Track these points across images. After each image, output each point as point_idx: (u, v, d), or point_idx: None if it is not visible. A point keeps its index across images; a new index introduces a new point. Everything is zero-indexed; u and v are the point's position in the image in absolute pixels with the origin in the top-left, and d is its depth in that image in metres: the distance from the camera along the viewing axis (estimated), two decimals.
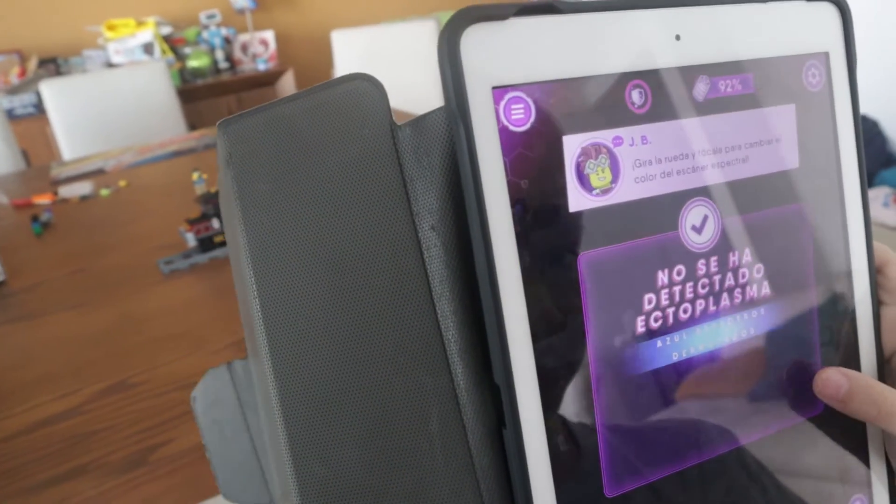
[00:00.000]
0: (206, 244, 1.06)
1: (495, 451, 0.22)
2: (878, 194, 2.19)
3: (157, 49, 2.96)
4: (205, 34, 3.13)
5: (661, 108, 0.23)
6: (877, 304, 0.27)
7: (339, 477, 0.22)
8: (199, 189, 1.06)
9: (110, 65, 2.93)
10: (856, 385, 0.24)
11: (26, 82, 2.74)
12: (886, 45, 2.26)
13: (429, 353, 0.22)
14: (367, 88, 0.22)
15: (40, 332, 0.91)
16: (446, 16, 3.49)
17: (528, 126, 0.21)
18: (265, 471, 0.28)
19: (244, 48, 3.22)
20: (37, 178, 1.70)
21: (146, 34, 2.94)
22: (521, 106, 0.21)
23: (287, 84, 3.23)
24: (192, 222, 1.05)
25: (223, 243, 1.07)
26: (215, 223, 1.06)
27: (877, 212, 2.16)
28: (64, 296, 1.00)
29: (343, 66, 2.57)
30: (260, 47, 3.22)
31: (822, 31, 0.26)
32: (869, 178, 2.28)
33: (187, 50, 3.08)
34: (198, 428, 0.28)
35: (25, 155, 2.09)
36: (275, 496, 0.26)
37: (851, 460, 0.26)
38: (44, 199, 1.45)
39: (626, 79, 0.22)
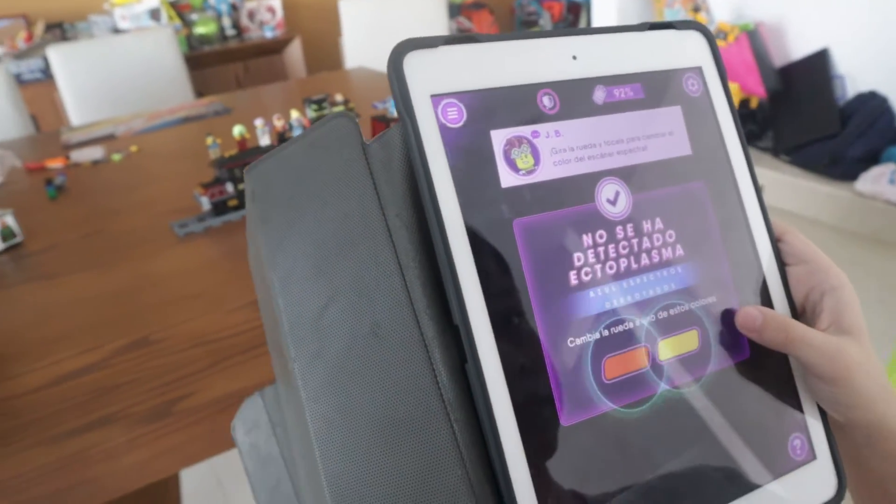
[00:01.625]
0: (220, 208, 1.07)
1: (460, 386, 0.26)
2: (884, 171, 2.18)
3: (163, 15, 2.95)
4: (211, 0, 3.11)
5: (568, 109, 0.29)
6: (783, 265, 0.33)
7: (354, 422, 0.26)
8: (213, 153, 1.07)
9: (116, 30, 2.91)
10: (768, 317, 0.30)
11: (33, 47, 2.73)
12: (893, 22, 2.24)
13: (401, 313, 0.26)
14: (344, 122, 0.29)
15: (58, 291, 0.93)
16: None
17: (461, 123, 0.27)
18: (296, 488, 0.31)
19: (251, 15, 3.20)
20: (47, 142, 1.71)
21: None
22: (455, 108, 0.27)
23: (295, 52, 3.21)
24: (206, 186, 1.06)
25: (237, 207, 1.08)
26: (229, 187, 1.07)
27: (883, 188, 2.15)
28: (80, 257, 1.02)
29: (350, 34, 2.55)
30: (267, 14, 3.20)
31: (694, 51, 0.33)
32: (877, 154, 2.27)
33: (194, 16, 3.06)
34: (239, 454, 0.32)
35: (34, 120, 2.09)
36: None
37: (786, 403, 0.31)
38: (56, 164, 1.47)
39: (536, 88, 0.29)
